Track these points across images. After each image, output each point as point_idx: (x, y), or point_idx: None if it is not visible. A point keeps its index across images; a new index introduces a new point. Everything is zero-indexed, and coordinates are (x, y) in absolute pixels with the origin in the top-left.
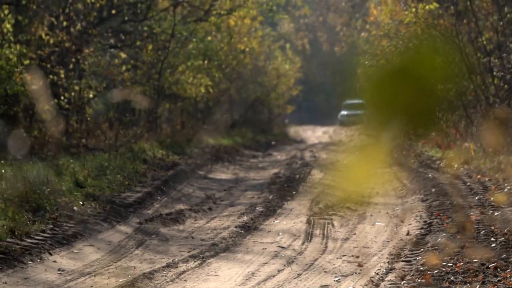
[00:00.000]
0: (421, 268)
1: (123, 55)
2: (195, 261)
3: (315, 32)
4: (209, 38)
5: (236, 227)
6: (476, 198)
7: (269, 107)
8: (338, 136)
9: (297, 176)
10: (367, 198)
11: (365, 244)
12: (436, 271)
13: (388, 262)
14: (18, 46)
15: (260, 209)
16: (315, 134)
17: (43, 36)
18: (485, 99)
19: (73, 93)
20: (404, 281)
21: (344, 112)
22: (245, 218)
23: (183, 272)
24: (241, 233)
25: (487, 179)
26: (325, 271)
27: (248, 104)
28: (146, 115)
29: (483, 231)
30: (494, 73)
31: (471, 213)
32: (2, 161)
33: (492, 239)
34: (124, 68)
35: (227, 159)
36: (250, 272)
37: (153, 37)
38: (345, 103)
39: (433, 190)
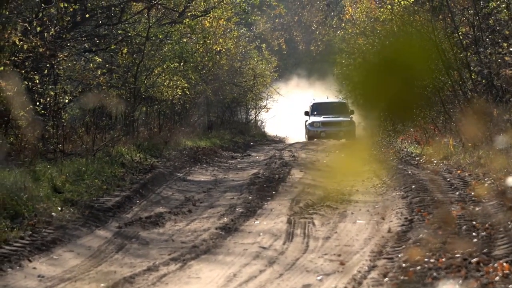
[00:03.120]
0: (404, 265)
1: (98, 59)
2: (176, 264)
3: (290, 31)
4: (184, 40)
5: (216, 228)
6: (457, 193)
7: (247, 107)
8: None
9: (277, 176)
10: (347, 196)
11: (346, 243)
12: (419, 267)
13: (370, 260)
14: None
15: (240, 210)
16: (293, 133)
17: (17, 41)
18: (463, 94)
19: (48, 99)
20: (386, 278)
21: (316, 120)
22: (225, 219)
23: (164, 275)
24: (222, 234)
25: (467, 174)
26: (307, 271)
27: (225, 105)
28: (122, 118)
29: (465, 226)
30: (472, 68)
31: (452, 209)
32: None
33: (473, 234)
34: (99, 72)
35: (205, 161)
36: (232, 274)
37: (128, 40)
38: (315, 102)
39: (413, 186)
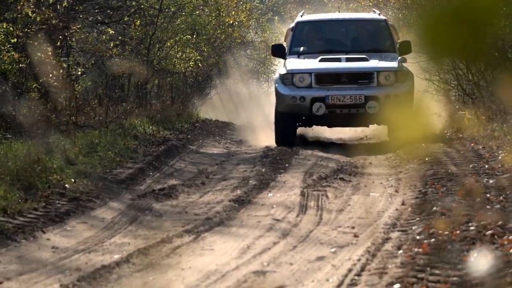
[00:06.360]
0: (417, 237)
1: (111, 31)
2: (189, 236)
3: (303, 4)
4: (197, 12)
5: (229, 201)
6: (471, 166)
7: (259, 80)
8: None
9: (290, 148)
10: (360, 168)
11: (360, 215)
12: (433, 240)
13: (383, 232)
14: (4, 25)
15: (253, 183)
16: None
17: (30, 13)
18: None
19: (61, 71)
20: (400, 251)
21: (303, 67)
22: (238, 191)
23: (178, 247)
24: (235, 206)
25: (480, 147)
26: (320, 243)
27: (237, 77)
28: (135, 91)
29: (479, 199)
30: None
31: (466, 181)
32: None
33: (487, 206)
34: (112, 44)
35: (218, 134)
36: (246, 246)
37: (141, 12)
38: (300, 21)
39: (427, 159)
